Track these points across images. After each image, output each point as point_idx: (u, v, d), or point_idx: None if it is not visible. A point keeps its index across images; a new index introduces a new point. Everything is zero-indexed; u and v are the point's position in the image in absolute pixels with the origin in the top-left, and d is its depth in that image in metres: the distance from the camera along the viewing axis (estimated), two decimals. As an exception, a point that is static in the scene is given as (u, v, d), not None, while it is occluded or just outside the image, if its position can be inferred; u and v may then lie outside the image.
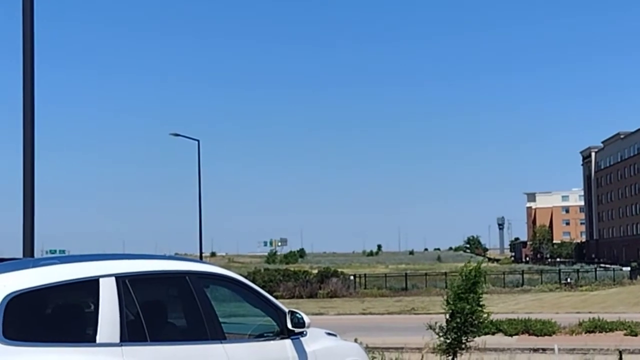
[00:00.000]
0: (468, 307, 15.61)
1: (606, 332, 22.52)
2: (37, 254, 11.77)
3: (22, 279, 5.49)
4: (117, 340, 5.85)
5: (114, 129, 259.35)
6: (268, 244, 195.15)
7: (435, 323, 16.04)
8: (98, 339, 5.75)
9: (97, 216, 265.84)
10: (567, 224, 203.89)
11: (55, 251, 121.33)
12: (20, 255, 10.70)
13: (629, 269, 79.18)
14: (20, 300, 5.36)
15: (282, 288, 54.32)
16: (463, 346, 16.05)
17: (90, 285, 5.92)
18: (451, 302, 15.85)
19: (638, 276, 68.42)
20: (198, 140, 47.57)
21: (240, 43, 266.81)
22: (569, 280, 64.65)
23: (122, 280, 6.11)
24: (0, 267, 5.53)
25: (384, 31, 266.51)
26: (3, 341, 5.13)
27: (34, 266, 5.75)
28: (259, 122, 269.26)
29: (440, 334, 15.97)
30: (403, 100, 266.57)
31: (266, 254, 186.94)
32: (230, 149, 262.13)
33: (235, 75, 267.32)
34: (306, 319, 7.88)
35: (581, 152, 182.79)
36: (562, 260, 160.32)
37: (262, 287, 8.29)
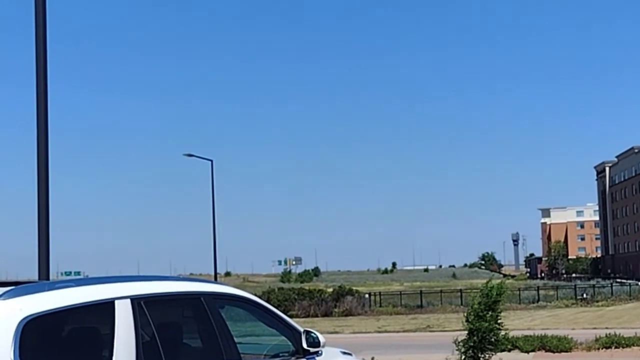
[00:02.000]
0: (486, 324, 15.60)
1: (623, 347, 22.35)
2: (52, 276, 11.82)
3: (38, 302, 5.50)
4: (133, 363, 5.86)
5: (128, 150, 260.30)
6: (282, 263, 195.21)
7: (461, 341, 16.02)
8: (114, 361, 5.76)
9: (111, 237, 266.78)
10: (582, 239, 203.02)
11: (70, 273, 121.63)
12: (36, 278, 10.75)
13: (645, 283, 78.73)
14: (37, 323, 5.36)
15: (297, 307, 54.19)
16: (479, 363, 16.02)
17: (106, 308, 5.93)
18: (470, 321, 15.83)
19: (655, 291, 68.04)
20: (211, 161, 47.83)
21: (253, 62, 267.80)
22: (585, 295, 64.30)
23: (138, 302, 6.12)
24: (16, 291, 5.55)
25: (395, 45, 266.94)
26: (19, 365, 5.14)
27: (49, 289, 5.75)
28: (272, 141, 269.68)
29: (462, 350, 15.96)
30: (416, 116, 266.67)
31: (281, 273, 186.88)
32: (244, 169, 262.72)
33: (248, 94, 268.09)
34: (321, 338, 7.89)
35: (595, 167, 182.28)
36: (577, 275, 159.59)
37: (277, 307, 8.32)
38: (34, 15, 11.59)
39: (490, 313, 15.75)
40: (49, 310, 5.51)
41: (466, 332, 16.08)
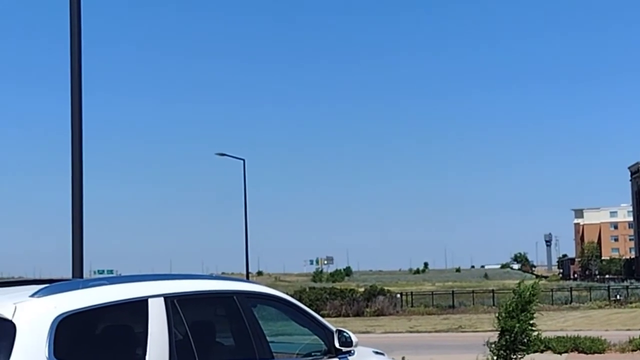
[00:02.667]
0: (518, 325, 15.52)
1: (657, 349, 22.15)
2: (85, 274, 11.91)
3: (73, 300, 5.55)
4: (166, 360, 5.89)
5: (161, 150, 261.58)
6: (314, 262, 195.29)
7: (493, 343, 15.94)
8: (147, 359, 5.80)
9: (144, 236, 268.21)
10: (616, 240, 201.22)
11: (102, 271, 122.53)
12: (70, 276, 10.85)
13: (679, 284, 77.76)
14: (71, 321, 5.41)
15: (328, 306, 54.19)
16: (512, 364, 15.92)
17: (139, 306, 5.96)
18: (502, 320, 15.76)
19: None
20: (243, 160, 47.95)
21: (284, 62, 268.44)
22: (618, 296, 63.64)
23: (171, 301, 6.15)
24: (51, 288, 5.60)
25: (435, 42, 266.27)
26: (54, 362, 5.18)
27: (83, 287, 5.80)
28: (304, 140, 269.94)
29: (494, 351, 15.88)
30: (448, 116, 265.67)
31: (312, 272, 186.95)
32: (276, 168, 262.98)
33: (279, 93, 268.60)
34: (354, 338, 7.87)
35: (629, 167, 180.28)
36: (611, 276, 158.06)
37: (309, 306, 8.31)
38: (69, 19, 11.68)
39: (523, 313, 15.67)
40: (83, 308, 5.55)
41: (498, 332, 16.01)
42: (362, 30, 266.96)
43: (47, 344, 5.19)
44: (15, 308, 5.25)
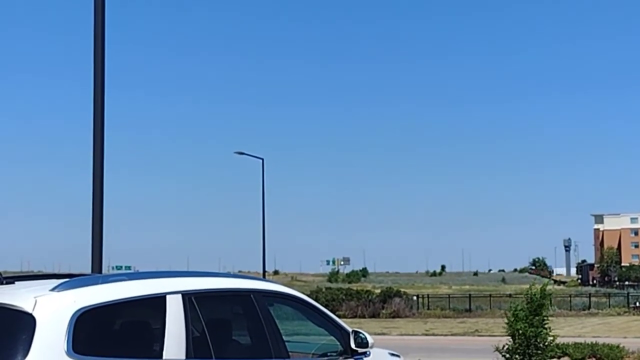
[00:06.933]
0: (531, 329, 15.44)
1: (676, 357, 22.00)
2: (103, 270, 11.99)
3: (92, 295, 5.60)
4: (183, 357, 5.92)
5: (180, 148, 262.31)
6: (330, 262, 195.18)
7: (504, 346, 15.88)
8: (164, 355, 5.83)
9: (161, 233, 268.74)
10: (636, 246, 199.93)
11: (120, 267, 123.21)
12: (89, 271, 10.93)
13: (699, 293, 77.25)
14: (90, 315, 5.46)
15: (344, 307, 54.21)
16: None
17: (157, 302, 6.01)
18: (511, 324, 15.69)
19: None
20: (262, 159, 48.01)
21: (303, 62, 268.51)
22: (637, 304, 63.34)
23: (189, 298, 6.19)
24: (71, 283, 5.66)
25: (455, 48, 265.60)
26: (73, 356, 5.23)
27: (103, 282, 5.86)
28: (324, 140, 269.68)
29: (507, 356, 15.82)
30: (468, 120, 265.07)
31: (328, 272, 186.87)
32: (294, 168, 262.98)
33: (298, 93, 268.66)
34: (370, 339, 7.88)
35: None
36: (630, 283, 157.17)
37: (325, 306, 8.31)
38: (93, 18, 11.77)
39: (536, 317, 15.59)
40: (102, 303, 5.61)
41: (509, 337, 15.93)
42: (387, 34, 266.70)
43: (66, 338, 5.24)
44: (36, 302, 5.30)
